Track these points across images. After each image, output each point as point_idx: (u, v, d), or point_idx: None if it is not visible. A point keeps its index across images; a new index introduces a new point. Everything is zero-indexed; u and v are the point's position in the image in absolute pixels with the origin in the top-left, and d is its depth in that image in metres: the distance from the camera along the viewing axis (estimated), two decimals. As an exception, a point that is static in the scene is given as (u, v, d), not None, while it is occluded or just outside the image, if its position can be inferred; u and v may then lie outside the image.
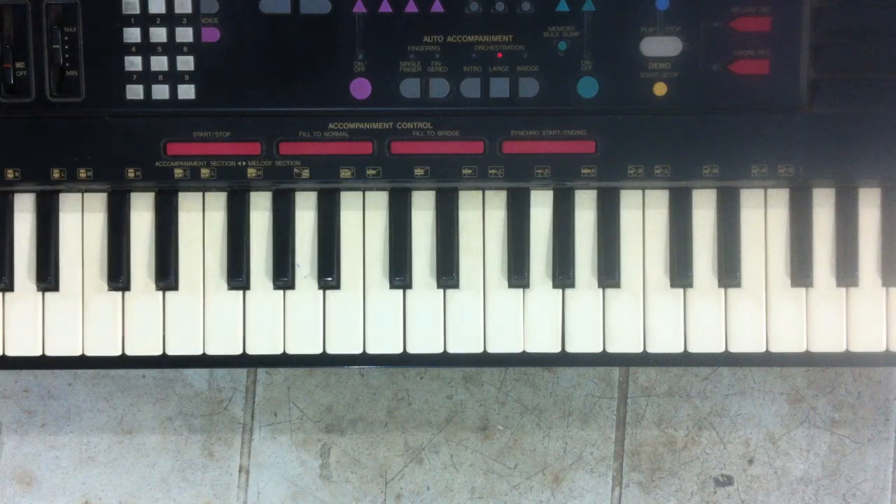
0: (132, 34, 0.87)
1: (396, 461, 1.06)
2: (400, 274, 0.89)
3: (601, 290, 0.90)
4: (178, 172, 0.88)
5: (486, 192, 0.90)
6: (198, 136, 0.88)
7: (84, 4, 0.87)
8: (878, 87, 0.87)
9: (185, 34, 0.87)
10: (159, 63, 0.87)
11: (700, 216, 0.90)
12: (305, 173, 0.88)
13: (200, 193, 0.90)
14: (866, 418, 1.06)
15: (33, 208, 0.90)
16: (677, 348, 0.89)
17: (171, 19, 0.87)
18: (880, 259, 0.89)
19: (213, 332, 0.90)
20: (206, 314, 0.90)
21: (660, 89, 0.87)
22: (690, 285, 0.90)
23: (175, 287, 0.90)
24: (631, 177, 0.88)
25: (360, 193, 0.90)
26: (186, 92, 0.87)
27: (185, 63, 0.87)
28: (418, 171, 0.88)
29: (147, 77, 0.87)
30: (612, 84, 0.87)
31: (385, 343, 0.89)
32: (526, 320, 0.90)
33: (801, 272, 0.89)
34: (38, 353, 0.90)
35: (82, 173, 0.88)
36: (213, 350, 0.90)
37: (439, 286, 0.90)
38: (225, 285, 0.90)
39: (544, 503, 1.06)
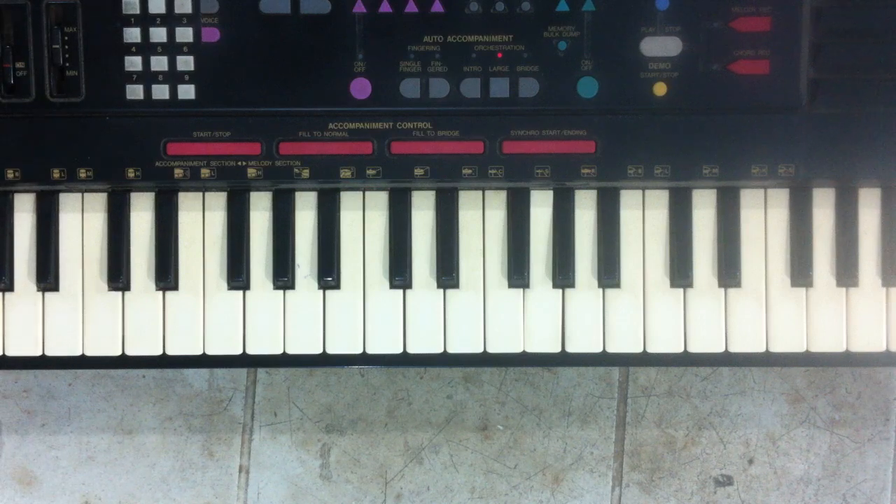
0: (132, 34, 0.87)
1: (396, 461, 1.06)
2: (400, 274, 0.89)
3: (601, 290, 0.90)
4: (178, 172, 0.88)
5: (486, 192, 0.90)
6: (198, 136, 0.88)
7: (84, 4, 0.87)
8: (878, 87, 0.87)
9: (185, 34, 0.87)
10: (159, 63, 0.87)
11: (700, 216, 0.90)
12: (305, 173, 0.88)
13: (200, 193, 0.90)
14: (866, 418, 1.06)
15: (33, 208, 0.90)
16: (677, 348, 0.89)
17: (171, 19, 0.87)
18: (880, 259, 0.89)
19: (213, 332, 0.90)
20: (206, 314, 0.90)
21: (660, 89, 0.87)
22: (690, 285, 0.90)
23: (175, 287, 0.90)
24: (631, 177, 0.88)
25: (360, 193, 0.90)
26: (186, 92, 0.87)
27: (185, 63, 0.87)
28: (418, 171, 0.88)
29: (147, 77, 0.87)
30: (612, 84, 0.87)
31: (385, 343, 0.89)
32: (526, 320, 0.90)
33: (801, 272, 0.89)
34: (38, 353, 0.90)
35: (82, 173, 0.88)
36: (213, 350, 0.90)
37: (439, 286, 0.90)
38: (225, 285, 0.90)
39: (544, 503, 1.06)
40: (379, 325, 0.90)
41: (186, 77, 0.87)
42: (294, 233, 0.90)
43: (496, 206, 0.90)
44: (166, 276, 0.89)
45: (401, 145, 0.88)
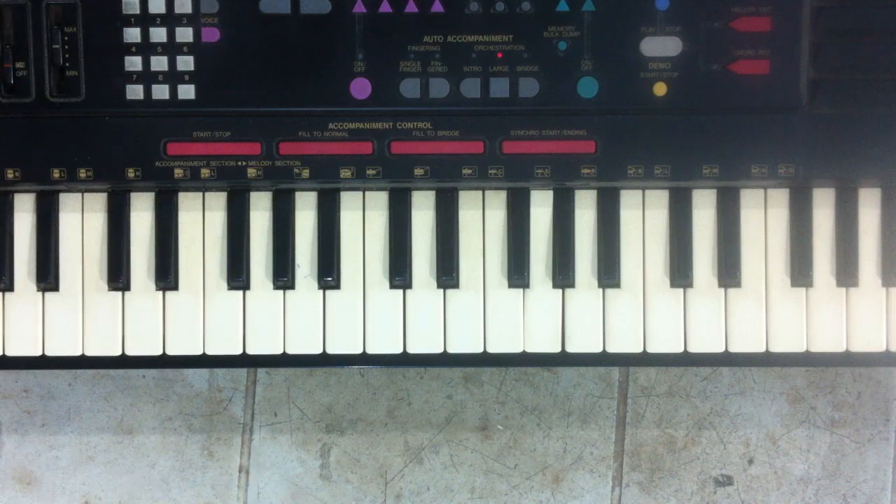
0: (132, 34, 0.87)
1: (396, 461, 1.06)
2: (400, 274, 0.89)
3: (601, 290, 0.90)
4: (178, 172, 0.88)
5: (486, 192, 0.90)
6: (198, 136, 0.88)
7: (84, 4, 0.87)
8: (878, 87, 0.87)
9: (185, 34, 0.87)
10: (159, 63, 0.87)
11: (700, 216, 0.90)
12: (305, 173, 0.88)
13: (200, 193, 0.90)
14: (866, 418, 1.06)
15: (33, 208, 0.90)
16: (677, 348, 0.89)
17: (171, 19, 0.87)
18: (880, 259, 0.89)
19: (213, 332, 0.90)
20: (206, 314, 0.90)
21: (660, 89, 0.87)
22: (690, 285, 0.89)
23: (175, 287, 0.90)
24: (631, 177, 0.88)
25: (360, 193, 0.90)
26: (186, 92, 0.87)
27: (185, 63, 0.87)
28: (418, 171, 0.88)
29: (147, 77, 0.87)
30: (612, 84, 0.87)
31: (385, 343, 0.89)
32: (526, 320, 0.90)
33: (801, 272, 0.89)
34: (38, 353, 0.90)
35: (82, 173, 0.88)
36: (213, 350, 0.90)
37: (439, 286, 0.90)
38: (225, 285, 0.90)
39: (544, 503, 1.06)
40: (379, 325, 0.90)
41: (186, 77, 0.87)
42: (294, 233, 0.90)
43: (496, 206, 0.90)
44: (166, 276, 0.89)
45: (401, 145, 0.88)
